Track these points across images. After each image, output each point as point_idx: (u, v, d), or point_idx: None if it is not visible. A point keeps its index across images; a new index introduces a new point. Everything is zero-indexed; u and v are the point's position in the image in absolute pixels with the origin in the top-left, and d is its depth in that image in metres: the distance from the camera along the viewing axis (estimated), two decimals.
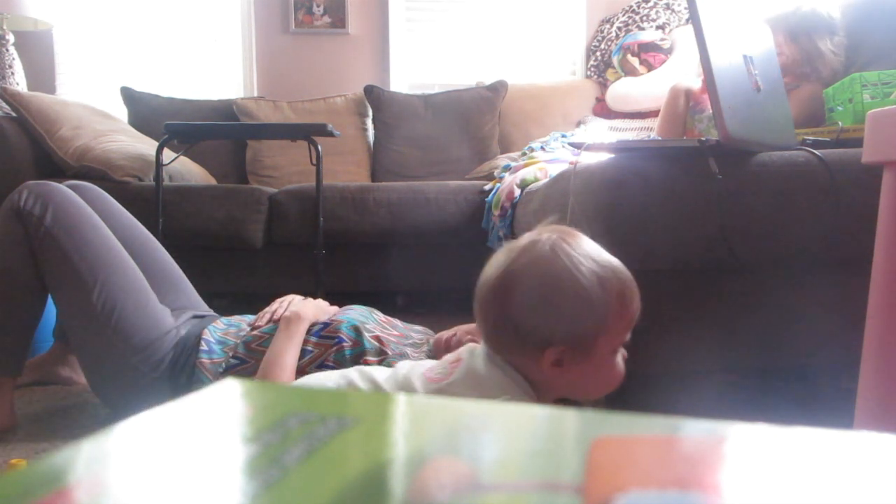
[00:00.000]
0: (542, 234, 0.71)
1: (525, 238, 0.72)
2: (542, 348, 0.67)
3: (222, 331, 1.20)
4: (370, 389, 0.78)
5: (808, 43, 1.74)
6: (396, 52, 3.23)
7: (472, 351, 0.75)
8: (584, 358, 0.68)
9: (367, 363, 1.11)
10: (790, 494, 0.15)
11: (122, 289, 1.14)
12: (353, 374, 0.83)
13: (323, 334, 1.14)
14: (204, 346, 1.15)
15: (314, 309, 1.19)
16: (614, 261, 0.70)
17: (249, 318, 1.25)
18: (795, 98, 1.73)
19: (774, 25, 1.76)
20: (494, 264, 0.73)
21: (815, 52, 1.73)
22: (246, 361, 1.14)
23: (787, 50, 1.75)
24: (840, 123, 1.31)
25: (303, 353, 1.12)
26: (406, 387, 0.76)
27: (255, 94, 3.15)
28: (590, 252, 0.69)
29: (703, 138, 1.03)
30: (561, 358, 0.68)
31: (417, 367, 0.81)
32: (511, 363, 0.71)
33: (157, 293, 1.22)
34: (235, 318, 1.26)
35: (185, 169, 2.51)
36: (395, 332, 1.22)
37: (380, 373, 0.82)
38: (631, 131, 2.66)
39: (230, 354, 1.15)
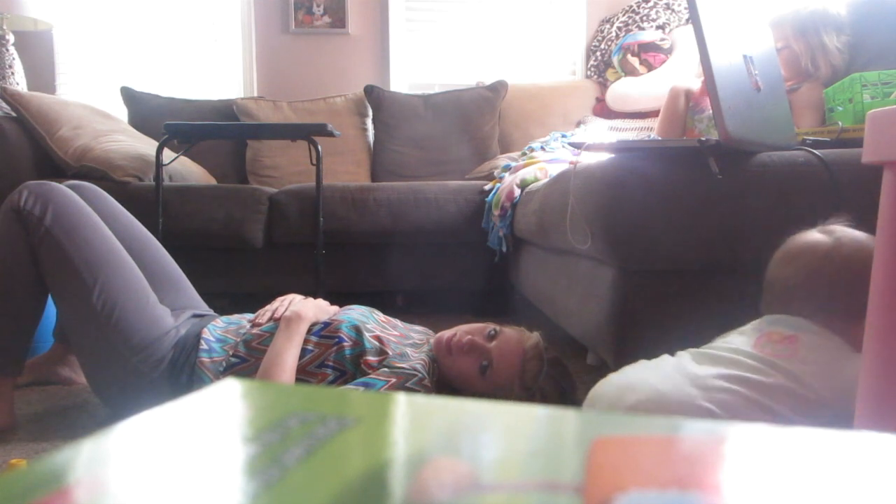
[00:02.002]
0: (839, 229, 0.87)
1: (828, 233, 0.87)
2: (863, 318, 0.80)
3: (222, 329, 1.20)
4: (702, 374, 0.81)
5: (816, 38, 1.74)
6: (396, 52, 3.23)
7: (806, 330, 0.83)
8: None
9: (367, 363, 1.11)
10: (790, 494, 0.15)
11: (122, 289, 1.14)
12: (684, 365, 0.84)
13: (323, 334, 1.14)
14: (204, 346, 1.15)
15: (315, 309, 1.19)
16: None
17: (249, 316, 1.25)
18: (798, 101, 1.73)
19: (783, 20, 1.77)
20: (828, 257, 0.84)
21: (822, 47, 1.74)
22: (246, 360, 1.14)
23: (794, 44, 1.76)
24: (840, 123, 1.31)
25: (303, 352, 1.12)
26: (735, 362, 0.80)
27: (255, 94, 3.16)
28: None
29: (703, 138, 1.03)
30: None
31: (734, 343, 0.86)
32: (838, 333, 0.83)
33: (157, 293, 1.22)
34: (235, 317, 1.26)
35: (185, 169, 2.51)
36: (396, 332, 1.22)
37: (692, 362, 0.85)
38: (631, 131, 2.66)
39: (230, 353, 1.15)
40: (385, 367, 1.09)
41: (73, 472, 0.17)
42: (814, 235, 0.88)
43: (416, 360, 1.12)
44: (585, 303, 1.26)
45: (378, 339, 1.14)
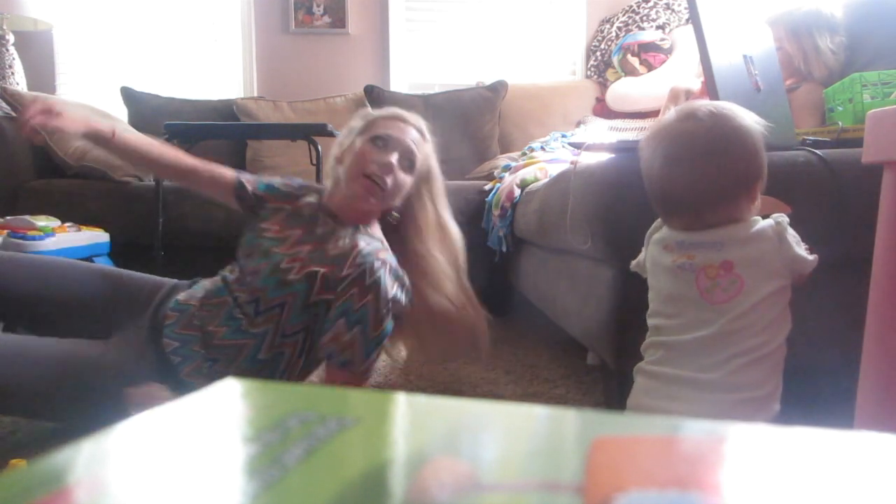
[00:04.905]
0: (712, 106, 0.85)
1: (708, 110, 0.84)
2: (756, 184, 0.84)
3: (180, 327, 1.11)
4: None
5: (809, 40, 1.74)
6: (396, 52, 3.23)
7: (728, 243, 0.83)
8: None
9: (319, 294, 1.07)
10: (790, 494, 0.15)
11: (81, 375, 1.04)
12: None
13: (262, 309, 1.08)
14: (176, 359, 1.07)
15: (80, 111, 1.04)
16: None
17: (194, 290, 1.17)
18: (797, 101, 1.73)
19: (777, 21, 1.77)
20: (704, 138, 0.83)
21: (815, 49, 1.74)
22: (217, 360, 1.08)
23: (787, 46, 1.76)
24: (840, 123, 1.31)
25: (258, 341, 1.07)
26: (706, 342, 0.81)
27: (255, 94, 3.15)
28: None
29: None
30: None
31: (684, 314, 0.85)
32: (743, 213, 0.84)
33: (114, 314, 1.15)
34: (183, 297, 1.16)
35: None
36: (299, 234, 1.16)
37: None
38: (631, 131, 2.66)
39: (200, 350, 1.08)
40: (341, 286, 1.05)
41: (73, 472, 0.17)
42: (688, 130, 0.84)
43: (365, 254, 1.09)
44: (585, 303, 1.26)
45: (305, 272, 1.07)
